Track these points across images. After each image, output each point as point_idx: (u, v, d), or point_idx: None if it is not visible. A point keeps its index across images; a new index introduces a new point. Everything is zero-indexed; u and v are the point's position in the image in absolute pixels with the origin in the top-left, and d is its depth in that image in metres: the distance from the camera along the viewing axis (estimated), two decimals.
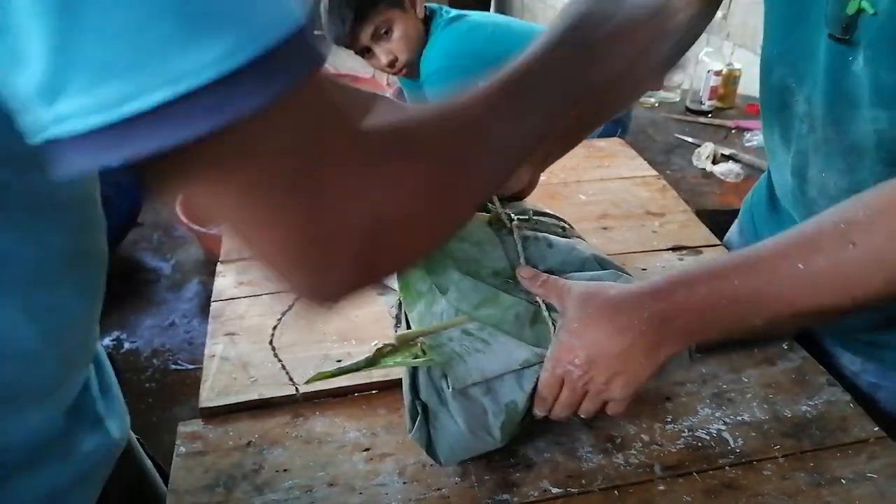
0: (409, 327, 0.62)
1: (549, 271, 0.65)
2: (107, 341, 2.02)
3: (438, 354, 0.58)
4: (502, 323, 0.60)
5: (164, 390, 1.86)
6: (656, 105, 2.02)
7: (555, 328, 0.61)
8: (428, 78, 1.62)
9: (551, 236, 0.68)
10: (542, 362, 0.60)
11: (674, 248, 0.97)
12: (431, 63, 1.61)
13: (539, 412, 0.62)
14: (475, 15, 1.72)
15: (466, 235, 0.63)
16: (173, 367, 1.95)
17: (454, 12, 1.71)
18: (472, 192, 0.41)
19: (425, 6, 1.68)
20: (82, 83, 0.24)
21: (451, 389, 0.59)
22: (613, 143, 1.31)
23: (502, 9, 4.08)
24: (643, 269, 0.93)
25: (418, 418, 0.62)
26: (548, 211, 0.79)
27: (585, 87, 0.47)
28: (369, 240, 0.32)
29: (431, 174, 0.35)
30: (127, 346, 2.03)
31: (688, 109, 1.98)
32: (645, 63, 0.51)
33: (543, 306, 0.62)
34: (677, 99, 2.04)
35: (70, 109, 0.24)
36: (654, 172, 1.18)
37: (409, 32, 1.61)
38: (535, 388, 0.61)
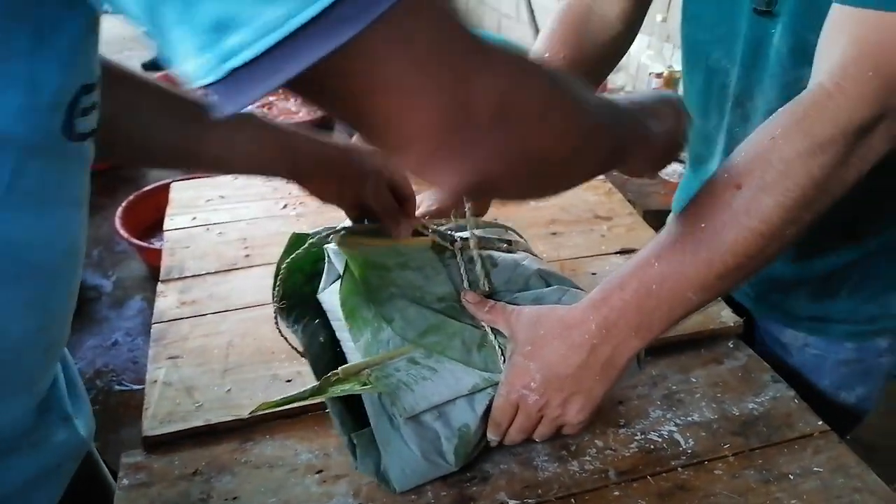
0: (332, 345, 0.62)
1: (494, 292, 0.65)
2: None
3: (385, 385, 0.58)
4: (449, 350, 0.60)
5: (109, 412, 1.79)
6: None
7: (502, 352, 0.61)
8: None
9: (496, 253, 0.68)
10: (492, 386, 0.60)
11: (621, 252, 0.98)
12: None
13: (493, 438, 0.62)
14: None
15: (409, 262, 0.63)
16: (118, 387, 1.88)
17: None
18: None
19: None
20: (252, 9, 0.25)
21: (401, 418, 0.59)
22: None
23: None
24: (593, 274, 0.94)
25: (358, 452, 0.61)
26: (494, 221, 0.79)
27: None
28: (499, 120, 0.33)
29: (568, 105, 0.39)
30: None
31: None
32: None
33: (489, 331, 0.62)
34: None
35: (244, 38, 0.26)
36: (601, 176, 1.20)
37: None
38: (487, 411, 0.61)
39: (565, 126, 0.38)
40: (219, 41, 0.26)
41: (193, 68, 0.27)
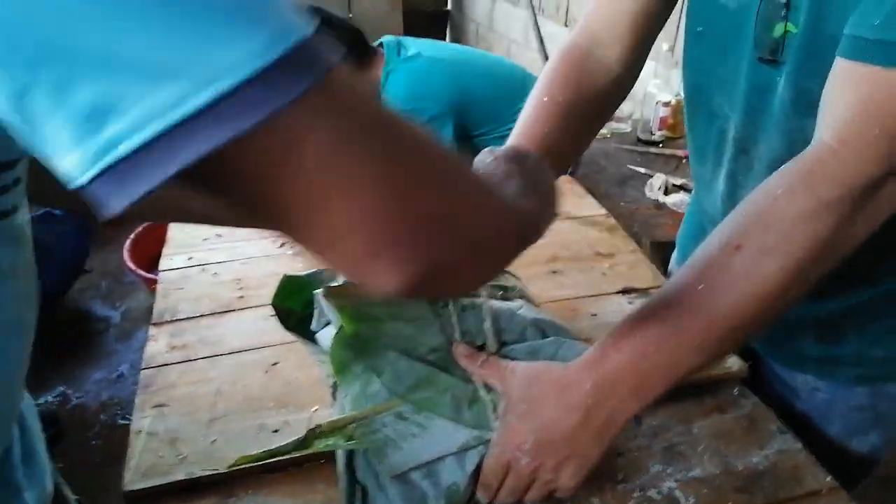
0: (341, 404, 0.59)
1: (486, 341, 0.64)
2: (50, 397, 1.93)
3: (371, 441, 0.56)
4: (439, 406, 0.58)
5: (112, 447, 1.78)
6: (608, 136, 2.04)
7: (494, 408, 0.59)
8: None
9: (491, 301, 0.66)
10: (483, 444, 0.58)
11: (623, 291, 0.96)
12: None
13: (483, 499, 0.59)
14: (428, 47, 1.70)
15: (401, 313, 0.61)
16: (121, 421, 1.86)
17: (409, 48, 1.68)
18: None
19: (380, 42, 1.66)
20: (136, 92, 0.23)
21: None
22: (562, 182, 1.29)
23: (457, 39, 4.11)
24: (594, 315, 0.91)
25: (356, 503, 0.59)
26: None
27: None
28: (429, 228, 0.31)
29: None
30: (74, 401, 1.94)
31: (639, 140, 2.00)
32: None
33: (482, 386, 0.60)
34: (628, 129, 2.06)
35: (123, 126, 0.23)
36: (603, 211, 1.18)
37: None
38: (477, 469, 0.58)
39: (493, 206, 0.37)
40: (96, 131, 0.23)
41: (70, 165, 0.24)
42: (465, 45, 3.07)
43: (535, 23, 3.19)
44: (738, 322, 0.51)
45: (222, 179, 0.26)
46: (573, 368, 0.56)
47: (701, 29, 0.69)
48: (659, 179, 1.72)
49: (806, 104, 0.58)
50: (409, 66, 1.62)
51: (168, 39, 0.23)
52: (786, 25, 0.59)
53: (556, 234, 1.09)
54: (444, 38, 4.17)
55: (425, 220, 0.31)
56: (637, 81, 0.79)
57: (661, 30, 0.75)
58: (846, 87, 0.50)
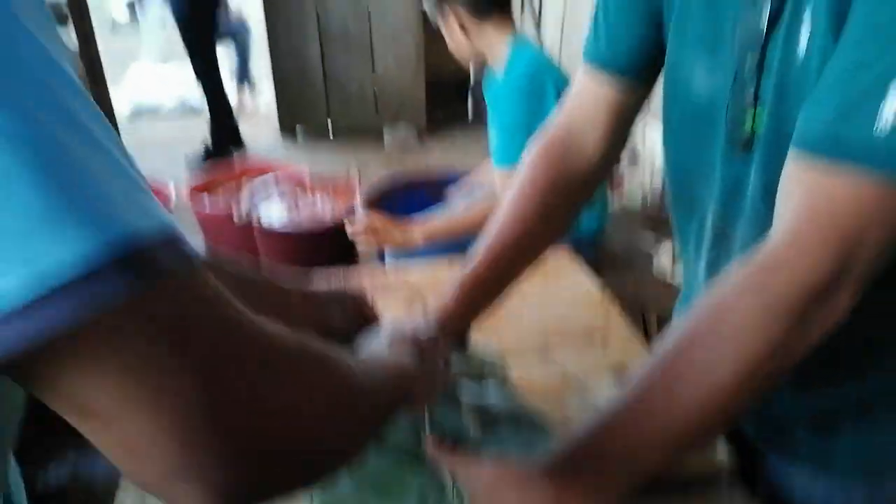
0: None
1: (458, 432, 0.63)
2: (62, 471, 1.92)
3: None
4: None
5: None
6: (615, 206, 2.04)
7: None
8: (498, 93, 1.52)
9: (465, 391, 0.66)
10: None
11: (616, 372, 0.93)
12: (505, 83, 1.49)
13: None
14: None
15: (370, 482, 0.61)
16: None
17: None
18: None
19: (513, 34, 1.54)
20: None
21: None
22: (560, 255, 1.29)
23: (477, 105, 4.19)
24: (584, 397, 0.89)
25: None
26: (468, 349, 0.76)
27: None
28: (254, 439, 0.30)
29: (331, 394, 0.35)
30: (82, 475, 1.93)
31: (646, 211, 2.00)
32: None
33: (449, 481, 0.59)
34: (636, 201, 2.07)
35: None
36: (597, 287, 1.16)
37: (455, 42, 1.52)
38: None
39: (325, 407, 0.35)
40: None
41: None
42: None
43: None
44: (695, 421, 0.50)
45: (28, 374, 0.26)
46: (537, 468, 0.55)
47: (675, 119, 0.70)
48: (666, 249, 1.70)
49: (776, 195, 0.57)
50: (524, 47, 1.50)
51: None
52: (754, 119, 0.59)
53: (549, 310, 1.08)
54: (467, 115, 4.26)
55: (234, 442, 0.29)
56: (647, 152, 0.80)
57: (635, 118, 0.75)
58: (795, 185, 0.49)
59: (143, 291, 0.26)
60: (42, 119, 0.25)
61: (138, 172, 0.30)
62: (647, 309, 1.54)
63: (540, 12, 3.35)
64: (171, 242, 0.28)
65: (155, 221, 0.27)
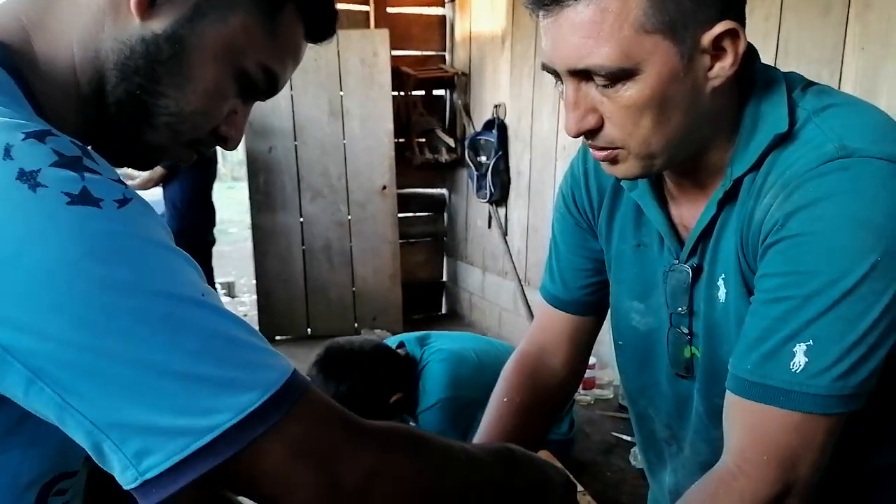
0: None
1: None
2: None
3: None
4: None
5: None
6: (591, 403, 2.13)
7: None
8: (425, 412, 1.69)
9: None
10: None
11: None
12: (430, 397, 1.69)
13: None
14: (446, 339, 1.83)
15: None
16: None
17: (431, 341, 1.82)
18: None
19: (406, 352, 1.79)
20: (164, 431, 0.38)
21: None
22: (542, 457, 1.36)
23: (452, 308, 4.40)
24: None
25: None
26: None
27: None
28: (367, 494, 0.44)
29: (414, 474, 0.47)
30: None
31: (621, 406, 2.09)
32: None
33: None
34: (611, 396, 2.16)
35: (154, 460, 0.38)
36: (581, 488, 1.22)
37: None
38: None
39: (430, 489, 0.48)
40: (139, 464, 0.38)
41: (121, 476, 0.39)
42: (466, 332, 3.27)
43: (523, 292, 3.48)
44: None
45: (221, 481, 0.41)
46: None
47: (621, 343, 0.81)
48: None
49: (718, 417, 0.66)
50: (441, 357, 1.75)
51: (188, 394, 0.38)
52: (691, 349, 0.70)
53: None
54: (440, 308, 4.46)
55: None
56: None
57: (596, 336, 0.88)
58: (736, 416, 0.59)
59: (292, 408, 0.42)
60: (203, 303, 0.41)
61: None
62: None
63: (506, 223, 3.68)
64: (295, 374, 0.43)
65: (283, 362, 0.43)
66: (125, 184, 0.41)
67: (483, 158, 3.63)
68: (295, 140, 3.77)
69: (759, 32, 1.92)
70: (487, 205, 3.71)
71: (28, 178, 0.37)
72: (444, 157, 3.96)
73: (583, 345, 0.87)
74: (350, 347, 1.60)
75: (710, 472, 0.60)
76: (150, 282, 0.38)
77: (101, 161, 0.42)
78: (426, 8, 4.08)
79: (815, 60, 1.82)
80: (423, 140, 4.02)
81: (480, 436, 0.84)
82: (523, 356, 0.88)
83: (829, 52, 1.80)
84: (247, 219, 4.16)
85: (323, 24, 0.54)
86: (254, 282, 4.09)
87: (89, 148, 0.42)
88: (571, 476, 0.66)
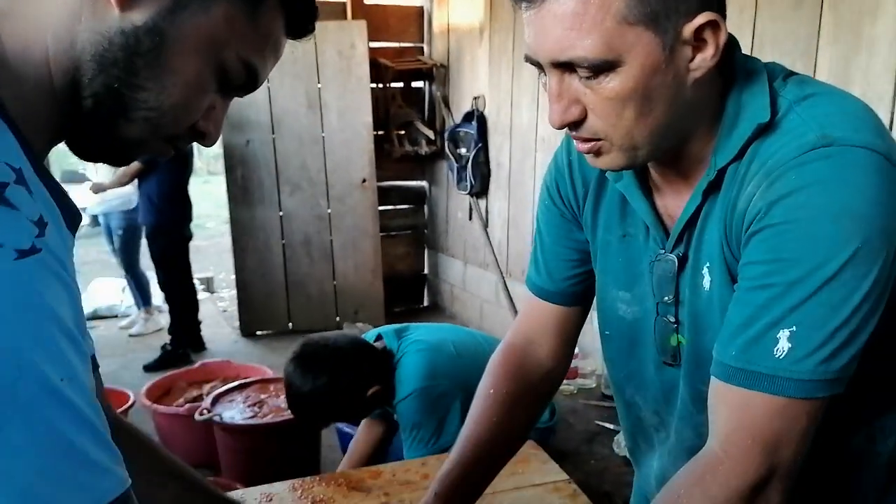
0: None
1: None
2: None
3: None
4: None
5: None
6: (574, 392, 2.15)
7: None
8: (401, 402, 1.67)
9: None
10: None
11: None
12: (405, 388, 1.67)
13: None
14: (423, 331, 1.80)
15: None
16: None
17: (409, 332, 1.79)
18: None
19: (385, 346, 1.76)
20: None
21: None
22: (526, 447, 1.37)
23: (434, 300, 4.41)
24: None
25: None
26: None
27: None
28: None
29: None
30: None
31: (604, 395, 2.11)
32: None
33: None
34: (594, 385, 2.18)
35: None
36: (566, 477, 1.23)
37: None
38: None
39: None
40: None
41: None
42: (446, 324, 3.28)
43: (504, 284, 3.50)
44: None
45: None
46: None
47: (608, 332, 0.82)
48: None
49: (702, 403, 0.67)
50: (417, 348, 1.73)
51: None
52: (678, 338, 0.71)
53: (521, 502, 1.14)
54: (422, 301, 4.47)
55: None
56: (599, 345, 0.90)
57: (581, 326, 0.89)
58: (720, 402, 0.61)
59: None
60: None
61: (101, 417, 0.40)
62: (613, 495, 1.59)
63: (487, 214, 3.69)
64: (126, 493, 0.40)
65: (112, 480, 0.39)
66: (53, 226, 0.39)
67: (463, 150, 3.63)
68: (272, 133, 3.75)
69: (735, 25, 1.94)
70: (468, 196, 3.72)
71: None
72: (424, 149, 3.95)
73: (569, 335, 0.88)
74: (325, 343, 1.60)
75: (695, 457, 0.61)
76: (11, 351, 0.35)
77: (39, 191, 0.39)
78: None
79: (790, 52, 1.84)
80: (403, 132, 4.01)
81: (467, 427, 0.84)
82: (509, 348, 0.88)
83: (802, 43, 1.83)
84: (224, 213, 4.12)
85: (304, 18, 0.53)
86: (233, 277, 4.06)
87: (47, 160, 0.39)
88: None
